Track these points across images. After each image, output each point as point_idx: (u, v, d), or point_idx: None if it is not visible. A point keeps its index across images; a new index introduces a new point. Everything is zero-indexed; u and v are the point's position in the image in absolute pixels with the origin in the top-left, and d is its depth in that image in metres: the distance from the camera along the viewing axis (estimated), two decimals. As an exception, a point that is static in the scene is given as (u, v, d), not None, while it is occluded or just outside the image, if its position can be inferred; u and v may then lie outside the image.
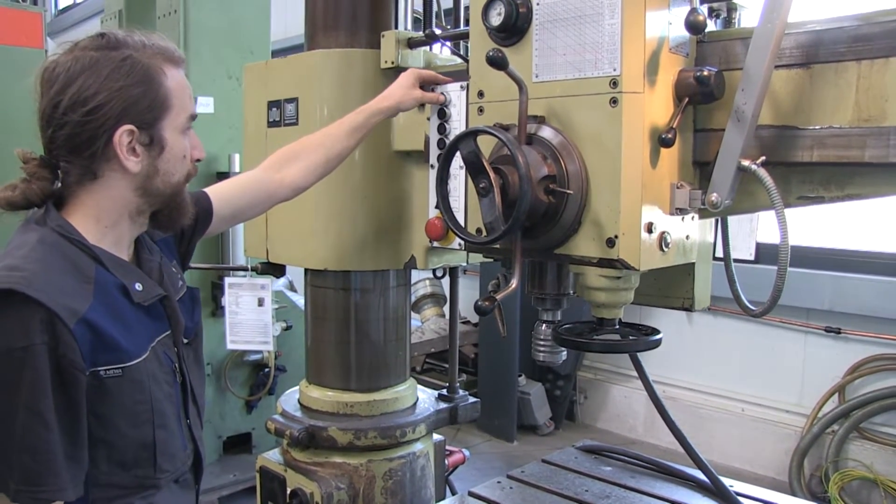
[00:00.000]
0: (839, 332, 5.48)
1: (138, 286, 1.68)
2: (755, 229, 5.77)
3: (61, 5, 16.51)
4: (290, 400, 2.69)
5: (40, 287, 1.48)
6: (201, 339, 1.94)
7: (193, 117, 1.75)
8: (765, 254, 5.70)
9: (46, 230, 1.60)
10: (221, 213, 2.05)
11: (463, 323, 6.92)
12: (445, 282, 2.77)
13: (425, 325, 6.92)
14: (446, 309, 7.06)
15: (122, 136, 1.60)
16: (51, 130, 1.60)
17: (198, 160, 1.78)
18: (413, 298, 6.85)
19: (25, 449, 1.49)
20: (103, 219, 1.66)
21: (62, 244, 1.59)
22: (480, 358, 6.68)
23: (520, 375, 6.55)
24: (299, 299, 5.42)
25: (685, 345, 6.23)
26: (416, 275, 5.72)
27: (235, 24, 5.00)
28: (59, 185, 1.65)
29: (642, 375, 2.33)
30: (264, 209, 2.21)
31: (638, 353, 2.19)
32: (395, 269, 2.53)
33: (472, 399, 2.78)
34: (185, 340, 1.83)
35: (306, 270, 2.63)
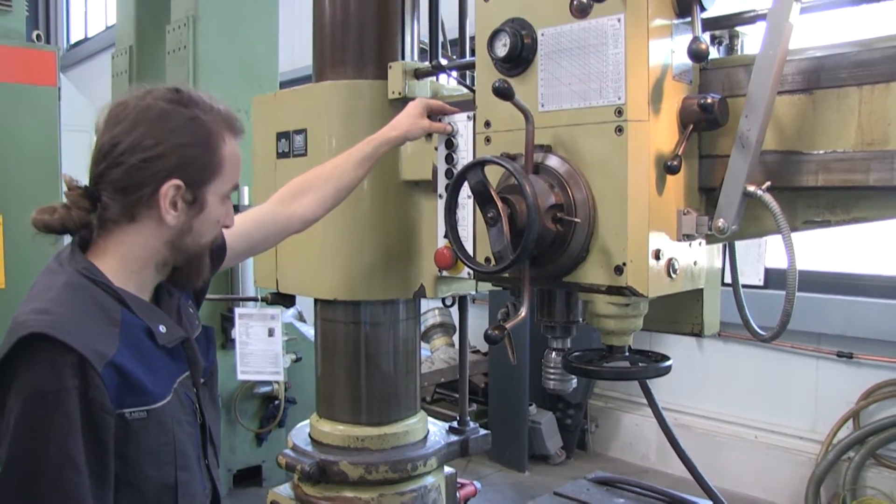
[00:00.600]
0: (851, 357, 5.44)
1: (162, 328, 1.70)
2: (763, 254, 5.78)
3: (73, 39, 16.76)
4: (300, 434, 2.69)
5: (70, 331, 1.50)
6: (216, 379, 1.95)
7: (236, 187, 1.79)
8: (774, 279, 5.69)
9: (72, 273, 1.62)
10: (235, 248, 2.07)
11: (472, 352, 6.90)
12: (454, 311, 2.77)
13: (435, 355, 6.90)
14: (455, 338, 7.05)
15: (170, 189, 1.63)
16: (104, 165, 1.63)
17: (225, 227, 1.82)
18: (422, 328, 6.85)
19: (55, 491, 1.49)
20: (130, 263, 1.68)
21: (88, 287, 1.61)
22: (490, 387, 6.66)
23: (530, 405, 6.52)
24: (309, 330, 5.43)
25: (696, 372, 6.21)
26: (424, 304, 5.74)
27: (244, 58, 5.07)
28: (96, 219, 1.67)
29: (652, 403, 2.32)
30: (276, 242, 2.24)
31: (648, 380, 2.19)
32: (404, 298, 2.54)
33: (482, 431, 2.78)
34: (202, 380, 1.84)
35: (316, 302, 2.64)
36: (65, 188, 1.69)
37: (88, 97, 9.29)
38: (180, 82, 1.72)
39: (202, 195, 1.69)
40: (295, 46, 5.63)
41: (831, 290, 5.48)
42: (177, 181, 1.63)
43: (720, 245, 2.15)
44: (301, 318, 6.57)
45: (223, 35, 5.04)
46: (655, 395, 2.33)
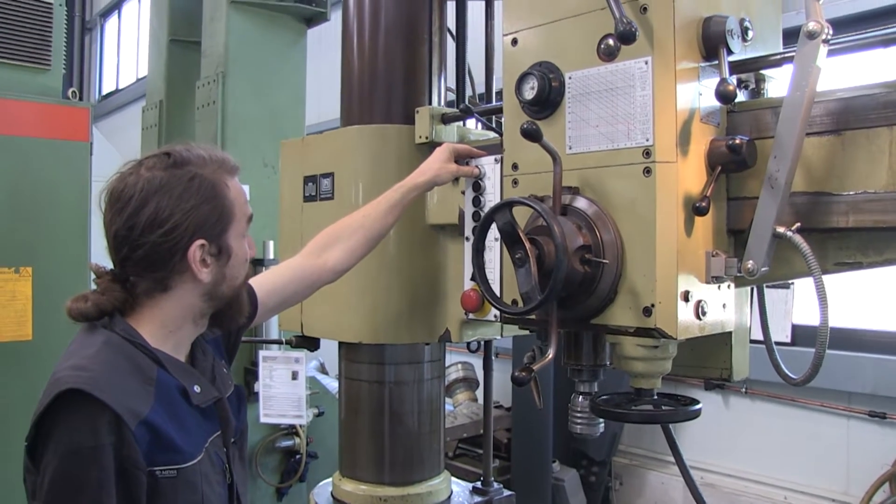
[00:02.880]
0: (885, 417, 5.30)
1: (196, 388, 1.72)
2: (790, 311, 5.70)
3: (105, 90, 17.19)
4: (323, 493, 2.67)
5: (106, 388, 1.53)
6: (246, 439, 1.96)
7: (250, 219, 1.82)
8: (801, 336, 5.60)
9: (111, 333, 1.66)
10: (267, 304, 2.08)
11: (496, 407, 6.82)
12: (478, 365, 2.76)
13: (457, 410, 6.84)
14: (479, 393, 6.98)
15: (196, 250, 1.66)
16: (126, 250, 1.65)
17: (251, 258, 1.84)
18: (445, 382, 6.80)
19: None
20: (168, 324, 1.72)
21: (126, 346, 1.65)
22: (514, 443, 6.57)
23: (554, 461, 6.42)
24: (331, 383, 5.40)
25: (722, 429, 6.09)
26: (448, 359, 5.74)
27: (271, 112, 5.14)
28: (129, 295, 1.70)
29: (677, 456, 2.27)
30: (309, 294, 2.23)
31: (674, 434, 2.15)
32: (429, 342, 2.53)
33: (506, 492, 2.75)
34: (232, 440, 1.85)
35: (340, 356, 2.65)
36: (93, 276, 1.73)
37: (118, 147, 9.47)
38: (170, 146, 1.74)
39: (225, 243, 1.72)
40: (322, 98, 5.71)
41: (861, 348, 5.36)
42: (200, 241, 1.66)
43: (748, 289, 2.13)
44: (323, 370, 6.54)
45: (251, 91, 5.12)
46: (681, 450, 2.28)
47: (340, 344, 2.63)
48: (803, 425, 5.70)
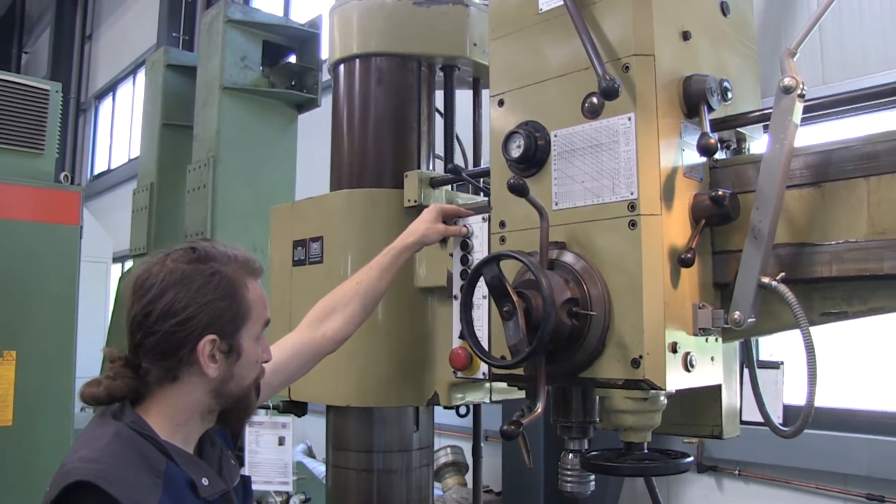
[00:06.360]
0: (883, 501, 5.20)
1: (205, 481, 1.72)
2: (781, 391, 5.66)
3: (97, 170, 17.30)
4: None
5: (114, 481, 1.54)
6: None
7: (267, 323, 1.84)
8: (793, 417, 5.52)
9: (122, 425, 1.67)
10: (272, 383, 2.08)
11: (486, 492, 6.68)
12: (467, 449, 2.73)
13: (447, 495, 6.69)
14: (468, 477, 6.85)
15: (206, 345, 1.69)
16: (140, 335, 1.69)
17: (264, 362, 1.85)
18: (434, 466, 6.67)
19: None
20: (176, 417, 1.73)
21: (136, 439, 1.66)
22: (505, 530, 6.41)
23: (546, 549, 6.25)
24: (318, 467, 5.30)
25: (716, 513, 5.96)
26: (437, 442, 5.64)
27: (261, 197, 5.17)
28: (140, 383, 1.72)
29: None
30: (311, 367, 2.24)
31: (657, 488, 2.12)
32: (417, 405, 2.50)
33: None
34: None
35: (328, 436, 2.61)
36: (108, 362, 1.76)
37: (108, 227, 9.50)
38: (195, 240, 1.80)
39: (237, 342, 1.74)
40: (312, 179, 5.77)
41: (856, 429, 5.29)
42: (211, 336, 1.69)
43: (736, 351, 2.14)
44: (310, 454, 6.42)
45: (242, 175, 5.16)
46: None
47: (328, 410, 2.60)
48: (799, 509, 5.59)
